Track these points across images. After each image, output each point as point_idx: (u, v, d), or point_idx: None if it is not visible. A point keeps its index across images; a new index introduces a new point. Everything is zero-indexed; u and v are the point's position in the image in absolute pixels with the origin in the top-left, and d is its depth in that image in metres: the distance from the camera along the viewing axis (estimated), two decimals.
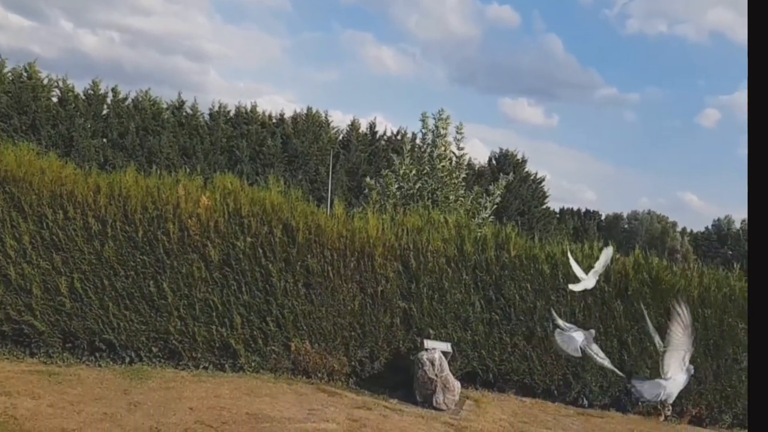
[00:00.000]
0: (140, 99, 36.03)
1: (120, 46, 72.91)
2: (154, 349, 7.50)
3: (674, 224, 60.49)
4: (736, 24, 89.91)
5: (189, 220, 7.54)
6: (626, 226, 64.09)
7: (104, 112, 35.02)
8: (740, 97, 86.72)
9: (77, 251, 7.32)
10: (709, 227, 57.84)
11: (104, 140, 34.03)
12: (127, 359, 7.45)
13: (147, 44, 77.84)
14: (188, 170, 8.50)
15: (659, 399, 4.12)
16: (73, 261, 7.32)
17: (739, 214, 60.71)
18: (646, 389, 4.04)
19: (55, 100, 33.78)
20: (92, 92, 34.61)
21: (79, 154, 30.27)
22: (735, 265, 9.27)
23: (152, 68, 72.41)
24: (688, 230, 57.84)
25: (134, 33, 75.40)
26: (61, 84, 34.24)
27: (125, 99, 35.70)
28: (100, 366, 7.32)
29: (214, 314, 7.53)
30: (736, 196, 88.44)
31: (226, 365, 7.62)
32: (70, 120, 32.60)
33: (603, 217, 60.91)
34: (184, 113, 37.13)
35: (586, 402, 8.21)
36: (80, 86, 36.39)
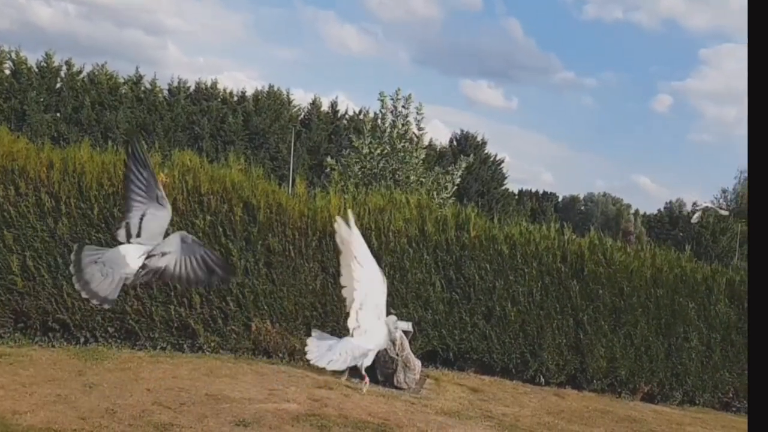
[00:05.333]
0: (96, 73, 35.05)
1: (75, 18, 70.57)
2: (110, 330, 7.36)
3: (628, 206, 61.95)
4: (688, 12, 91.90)
5: None
6: (582, 207, 65.47)
7: (58, 85, 33.96)
8: (691, 84, 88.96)
9: (29, 228, 7.10)
10: (662, 210, 59.17)
11: (57, 114, 33.07)
12: (82, 339, 7.28)
13: (103, 17, 75.37)
14: (146, 146, 8.28)
15: None
16: (25, 238, 7.10)
17: (689, 197, 62.53)
18: None
19: (7, 72, 32.64)
20: (45, 65, 33.51)
21: (31, 129, 29.39)
22: (686, 247, 9.56)
23: (109, 42, 70.18)
24: (642, 212, 59.16)
25: (90, 5, 72.95)
26: (13, 56, 33.09)
27: (80, 72, 34.67)
28: (53, 346, 7.15)
29: (172, 294, 7.41)
30: (687, 180, 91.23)
31: (185, 345, 7.54)
32: (22, 93, 31.57)
33: (560, 199, 62.07)
34: (142, 88, 36.27)
35: (543, 380, 8.37)
36: (33, 59, 35.07)
